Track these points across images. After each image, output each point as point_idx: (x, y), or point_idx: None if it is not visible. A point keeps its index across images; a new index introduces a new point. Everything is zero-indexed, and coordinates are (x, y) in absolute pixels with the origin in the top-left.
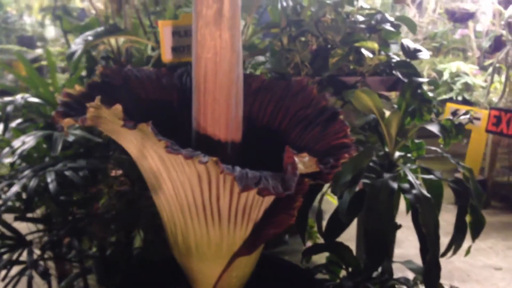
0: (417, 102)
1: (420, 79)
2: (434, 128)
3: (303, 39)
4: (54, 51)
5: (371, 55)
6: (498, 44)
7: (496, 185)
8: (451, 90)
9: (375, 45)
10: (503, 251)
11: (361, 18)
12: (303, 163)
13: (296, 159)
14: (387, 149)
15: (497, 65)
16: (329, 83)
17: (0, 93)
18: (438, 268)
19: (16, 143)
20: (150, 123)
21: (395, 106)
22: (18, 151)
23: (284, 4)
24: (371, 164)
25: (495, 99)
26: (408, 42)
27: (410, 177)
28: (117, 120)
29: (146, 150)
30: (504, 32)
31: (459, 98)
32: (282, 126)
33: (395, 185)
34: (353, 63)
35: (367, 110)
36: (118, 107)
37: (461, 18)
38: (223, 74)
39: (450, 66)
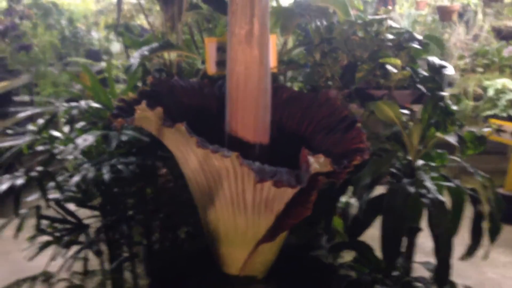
0: (439, 114)
1: (442, 93)
2: (452, 139)
3: (334, 55)
4: (118, 64)
5: (395, 71)
6: None
7: None
8: (496, 106)
9: (398, 62)
10: None
11: (390, 37)
12: (319, 163)
13: (312, 159)
14: (409, 158)
15: None
16: (357, 95)
17: (69, 100)
18: (447, 266)
19: (79, 140)
20: (184, 123)
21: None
22: (80, 147)
23: (318, 23)
24: (394, 170)
25: None
26: (434, 58)
27: (428, 183)
28: (158, 120)
29: (183, 146)
30: None
31: (504, 114)
32: (308, 131)
33: (412, 189)
34: (380, 78)
35: (389, 120)
36: (159, 109)
37: (507, 36)
38: (252, 85)
39: (495, 82)
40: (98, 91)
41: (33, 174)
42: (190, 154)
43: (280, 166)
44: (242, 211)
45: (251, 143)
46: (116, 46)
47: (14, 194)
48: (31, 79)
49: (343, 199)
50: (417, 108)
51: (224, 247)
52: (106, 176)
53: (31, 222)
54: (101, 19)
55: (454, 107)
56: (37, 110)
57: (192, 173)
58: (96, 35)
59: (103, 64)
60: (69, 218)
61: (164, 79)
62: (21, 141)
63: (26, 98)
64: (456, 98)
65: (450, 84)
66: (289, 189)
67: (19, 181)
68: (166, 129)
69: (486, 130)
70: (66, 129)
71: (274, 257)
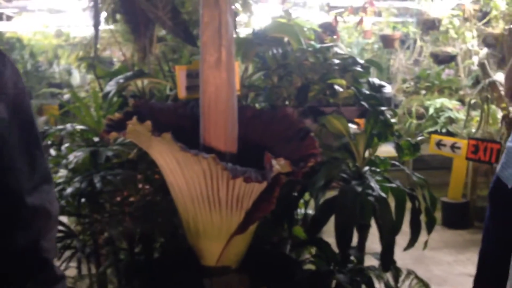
0: (380, 126)
1: (382, 108)
2: (390, 146)
3: (289, 78)
4: (85, 94)
5: (341, 90)
6: (479, 82)
7: (479, 208)
8: (436, 123)
9: (344, 82)
10: None
11: (336, 61)
12: (280, 164)
13: (275, 161)
14: (357, 164)
15: (473, 101)
16: (310, 112)
17: None
18: (391, 252)
19: (71, 156)
20: (170, 133)
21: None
22: (74, 161)
23: (275, 51)
24: (344, 175)
25: (474, 130)
26: (374, 79)
27: (373, 183)
28: (147, 132)
29: (166, 154)
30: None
31: (443, 130)
32: (270, 143)
33: (359, 189)
34: (330, 96)
35: (339, 132)
36: (148, 123)
37: (443, 60)
38: (222, 103)
39: (435, 102)
40: (85, 114)
41: None
42: (172, 160)
43: None
44: (217, 208)
45: (222, 152)
46: (76, 79)
47: None
48: None
49: (302, 211)
50: (362, 121)
51: (202, 242)
52: (98, 184)
53: None
54: (61, 52)
55: (393, 120)
56: None
57: (174, 177)
58: (57, 68)
59: (66, 96)
60: (60, 227)
61: (144, 101)
62: None
63: None
64: (395, 114)
65: (396, 106)
66: (257, 185)
67: None
68: (154, 139)
69: (419, 139)
70: (52, 151)
71: (245, 249)
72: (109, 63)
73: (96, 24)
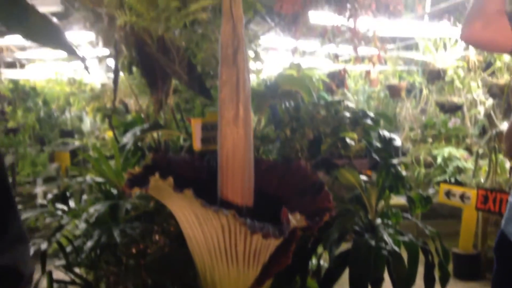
0: (391, 179)
1: (393, 161)
2: (403, 199)
3: (301, 131)
4: (96, 143)
5: (353, 143)
6: (485, 131)
7: (490, 259)
8: (445, 172)
9: (355, 136)
10: None
11: (348, 115)
12: (296, 219)
13: (290, 216)
14: (369, 217)
15: (481, 150)
16: (323, 164)
17: (46, 179)
18: None
19: (91, 210)
20: (191, 189)
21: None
22: (95, 215)
23: (287, 104)
24: (357, 228)
25: (483, 179)
26: (385, 132)
27: (385, 237)
28: (169, 188)
29: (185, 209)
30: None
31: (452, 179)
32: (285, 195)
33: (373, 242)
34: (341, 149)
35: (350, 184)
36: (171, 180)
37: (450, 109)
38: (239, 158)
39: (443, 151)
40: (104, 167)
41: (54, 239)
42: (191, 214)
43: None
44: (235, 261)
45: (240, 206)
46: (87, 125)
47: (41, 256)
48: (13, 160)
49: (314, 261)
50: (374, 175)
51: None
52: (118, 238)
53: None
54: (73, 99)
55: (404, 173)
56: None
57: (192, 230)
58: (69, 115)
59: (76, 143)
60: (77, 280)
61: (162, 155)
62: (30, 214)
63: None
64: (405, 165)
65: (404, 153)
66: (274, 240)
67: (44, 246)
68: (175, 194)
69: (431, 192)
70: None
71: None
72: (124, 110)
73: (116, 80)
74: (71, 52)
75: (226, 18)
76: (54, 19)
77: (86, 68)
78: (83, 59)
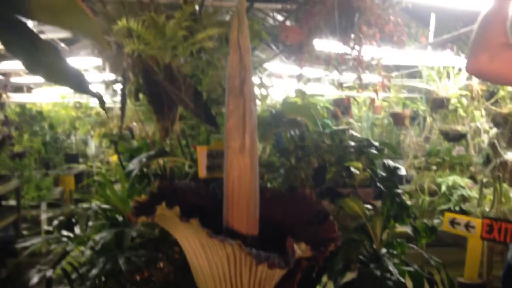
0: (396, 208)
1: (398, 190)
2: (408, 229)
3: (307, 159)
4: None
5: (358, 172)
6: (489, 160)
7: None
8: (449, 200)
9: (360, 165)
10: None
11: (352, 144)
12: (301, 249)
13: (296, 246)
14: (374, 246)
15: (485, 179)
16: (328, 193)
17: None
18: None
19: (97, 237)
20: (197, 219)
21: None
22: (101, 242)
23: (292, 133)
24: (362, 258)
25: (487, 208)
26: (389, 161)
27: (390, 267)
28: (175, 217)
29: (191, 238)
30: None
31: (457, 208)
32: (290, 224)
33: (378, 273)
34: (346, 178)
35: (355, 214)
36: (177, 209)
37: (454, 138)
38: (245, 187)
39: (447, 179)
40: (110, 194)
41: (59, 266)
42: (196, 243)
43: (265, 252)
44: None
45: (245, 235)
46: (92, 149)
47: (46, 282)
48: (19, 184)
49: None
50: (378, 203)
51: None
52: (123, 266)
53: None
54: (78, 124)
55: (408, 202)
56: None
57: (197, 259)
58: (74, 139)
59: (81, 167)
60: None
61: (168, 183)
62: (36, 240)
63: (12, 202)
64: (409, 194)
65: (408, 181)
66: (279, 270)
67: (49, 273)
68: (181, 224)
69: (436, 222)
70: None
71: None
72: (130, 134)
73: (123, 107)
74: (82, 89)
75: (233, 49)
76: (62, 51)
77: (102, 104)
78: (99, 98)
